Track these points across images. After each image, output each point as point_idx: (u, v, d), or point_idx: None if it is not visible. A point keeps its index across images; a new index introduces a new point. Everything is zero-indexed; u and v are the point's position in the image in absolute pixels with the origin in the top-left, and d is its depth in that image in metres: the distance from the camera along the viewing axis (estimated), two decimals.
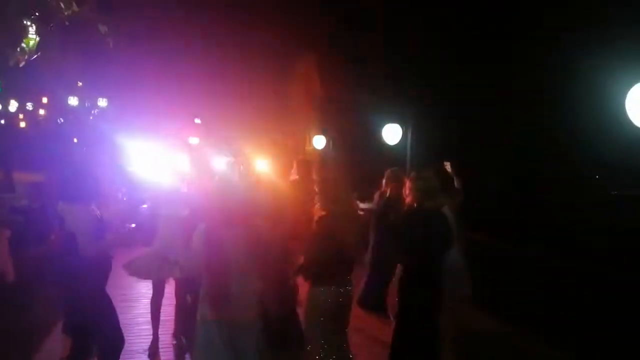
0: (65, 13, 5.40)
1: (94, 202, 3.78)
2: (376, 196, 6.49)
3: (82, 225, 3.56)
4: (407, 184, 4.42)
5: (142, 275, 4.93)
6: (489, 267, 6.72)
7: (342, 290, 3.76)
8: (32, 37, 5.39)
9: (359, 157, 12.01)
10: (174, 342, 5.48)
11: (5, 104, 21.66)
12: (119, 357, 4.06)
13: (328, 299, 3.70)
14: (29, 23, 5.29)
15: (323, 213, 3.80)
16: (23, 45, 5.29)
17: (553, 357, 5.42)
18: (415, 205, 4.26)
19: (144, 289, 7.32)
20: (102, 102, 22.03)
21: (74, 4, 5.44)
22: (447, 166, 5.63)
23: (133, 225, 4.09)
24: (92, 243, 3.54)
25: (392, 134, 9.99)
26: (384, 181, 6.38)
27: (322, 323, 3.72)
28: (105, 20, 6.25)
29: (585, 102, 9.78)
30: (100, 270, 3.74)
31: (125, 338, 4.42)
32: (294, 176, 6.22)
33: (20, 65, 5.71)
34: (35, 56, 5.70)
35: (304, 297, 3.91)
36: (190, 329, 3.76)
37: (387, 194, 6.23)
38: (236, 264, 3.36)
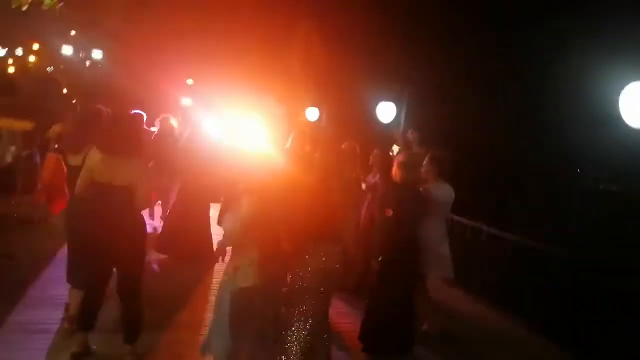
0: None
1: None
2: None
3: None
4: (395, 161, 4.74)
5: None
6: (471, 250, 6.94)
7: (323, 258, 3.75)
8: None
9: (350, 132, 12.04)
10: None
11: None
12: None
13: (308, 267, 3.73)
14: None
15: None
16: None
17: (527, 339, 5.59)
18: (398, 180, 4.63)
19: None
20: (97, 54, 21.06)
21: None
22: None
23: None
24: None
25: (386, 112, 10.05)
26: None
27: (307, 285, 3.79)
28: None
29: (580, 99, 9.94)
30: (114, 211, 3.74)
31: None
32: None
33: (23, 9, 5.60)
34: None
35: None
36: None
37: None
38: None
